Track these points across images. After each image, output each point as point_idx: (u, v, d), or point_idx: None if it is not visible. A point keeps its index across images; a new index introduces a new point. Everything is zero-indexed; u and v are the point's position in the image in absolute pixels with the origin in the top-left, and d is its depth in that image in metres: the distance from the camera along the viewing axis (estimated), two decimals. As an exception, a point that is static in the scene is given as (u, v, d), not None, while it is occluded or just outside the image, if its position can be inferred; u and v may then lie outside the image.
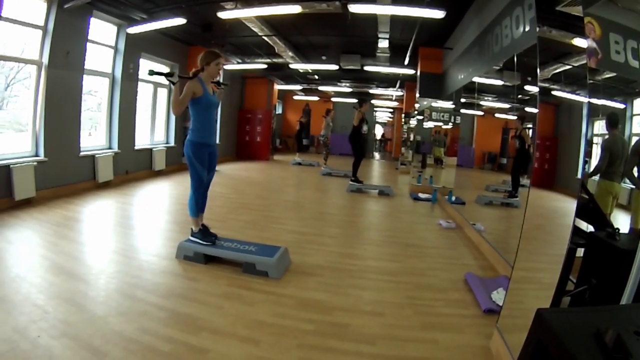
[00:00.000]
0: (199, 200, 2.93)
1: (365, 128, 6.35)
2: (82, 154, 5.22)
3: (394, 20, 5.38)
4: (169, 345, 1.82)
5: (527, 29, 3.07)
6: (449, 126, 7.50)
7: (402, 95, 11.63)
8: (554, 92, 3.27)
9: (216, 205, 4.81)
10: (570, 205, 2.57)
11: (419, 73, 7.12)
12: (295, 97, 15.07)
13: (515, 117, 5.00)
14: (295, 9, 4.44)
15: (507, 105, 5.89)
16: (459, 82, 5.60)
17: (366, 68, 8.07)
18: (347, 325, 2.13)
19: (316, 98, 14.63)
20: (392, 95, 13.15)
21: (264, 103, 11.17)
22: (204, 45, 7.51)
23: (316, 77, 11.02)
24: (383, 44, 6.46)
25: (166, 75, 2.76)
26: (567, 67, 2.64)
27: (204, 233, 2.93)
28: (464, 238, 4.19)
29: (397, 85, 10.99)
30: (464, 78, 5.30)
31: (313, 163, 9.78)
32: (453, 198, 5.77)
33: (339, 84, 11.59)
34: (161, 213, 4.61)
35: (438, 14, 4.13)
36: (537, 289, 2.23)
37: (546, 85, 3.74)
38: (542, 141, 4.28)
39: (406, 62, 7.21)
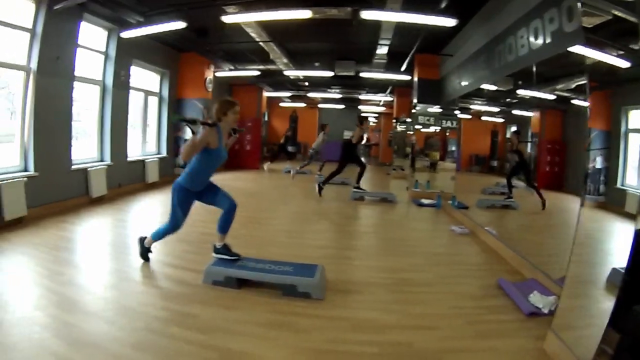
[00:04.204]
0: (163, 235, 2.96)
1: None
2: (73, 167, 4.84)
3: (398, 27, 5.37)
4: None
5: (547, 40, 3.13)
6: (438, 129, 7.58)
7: (392, 101, 11.75)
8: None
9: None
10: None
11: (416, 79, 7.18)
12: (282, 104, 14.84)
13: (512, 133, 5.13)
14: (306, 14, 4.32)
15: (496, 109, 6.07)
16: (463, 89, 5.67)
17: (361, 74, 8.06)
18: (410, 344, 2.04)
19: (303, 105, 14.52)
20: (380, 101, 13.27)
21: (253, 111, 10.89)
22: (196, 52, 7.28)
23: (306, 83, 10.91)
24: (382, 50, 6.46)
25: (189, 121, 2.70)
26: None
27: (228, 248, 2.81)
28: (481, 243, 4.19)
29: (388, 91, 11.10)
30: (469, 85, 5.36)
31: (306, 171, 9.64)
32: (456, 203, 5.81)
33: (329, 90, 11.53)
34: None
35: (449, 22, 4.14)
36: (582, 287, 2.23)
37: (567, 94, 3.83)
38: (552, 145, 4.39)
39: (403, 68, 7.25)
